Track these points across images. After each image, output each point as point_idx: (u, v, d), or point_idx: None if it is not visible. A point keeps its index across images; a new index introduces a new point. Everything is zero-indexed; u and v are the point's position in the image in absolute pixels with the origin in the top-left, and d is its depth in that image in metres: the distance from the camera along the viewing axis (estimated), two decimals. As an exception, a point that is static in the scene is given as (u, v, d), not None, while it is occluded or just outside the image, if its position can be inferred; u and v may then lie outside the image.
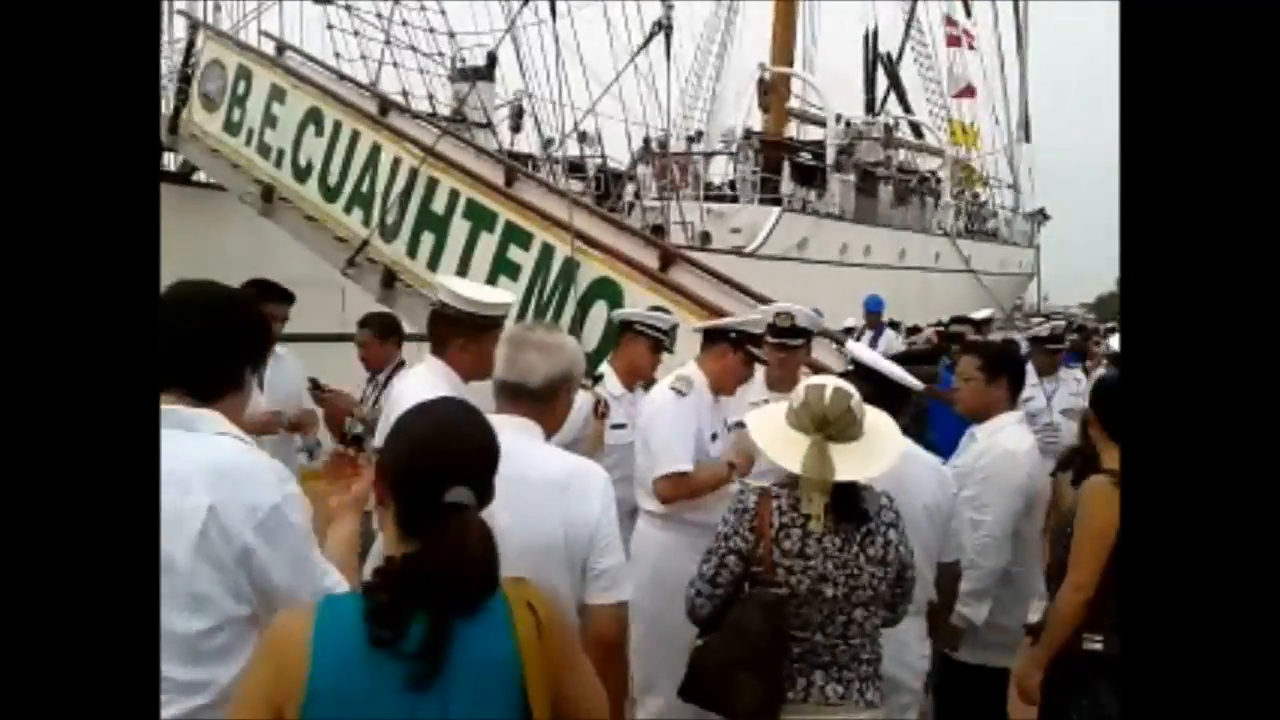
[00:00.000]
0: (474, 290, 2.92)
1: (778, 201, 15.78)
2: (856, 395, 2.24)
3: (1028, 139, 26.43)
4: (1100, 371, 3.99)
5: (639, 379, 3.78)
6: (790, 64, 19.41)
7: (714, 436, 3.32)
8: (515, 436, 1.91)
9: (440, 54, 11.88)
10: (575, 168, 12.79)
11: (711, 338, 3.43)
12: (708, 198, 15.57)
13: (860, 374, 2.68)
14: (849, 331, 8.81)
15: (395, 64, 11.06)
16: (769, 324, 3.51)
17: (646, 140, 14.38)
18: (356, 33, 11.07)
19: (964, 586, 3.06)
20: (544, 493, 1.90)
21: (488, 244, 5.49)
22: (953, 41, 24.66)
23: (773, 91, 18.48)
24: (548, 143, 11.27)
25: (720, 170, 17.39)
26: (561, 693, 1.42)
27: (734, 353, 3.37)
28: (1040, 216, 26.63)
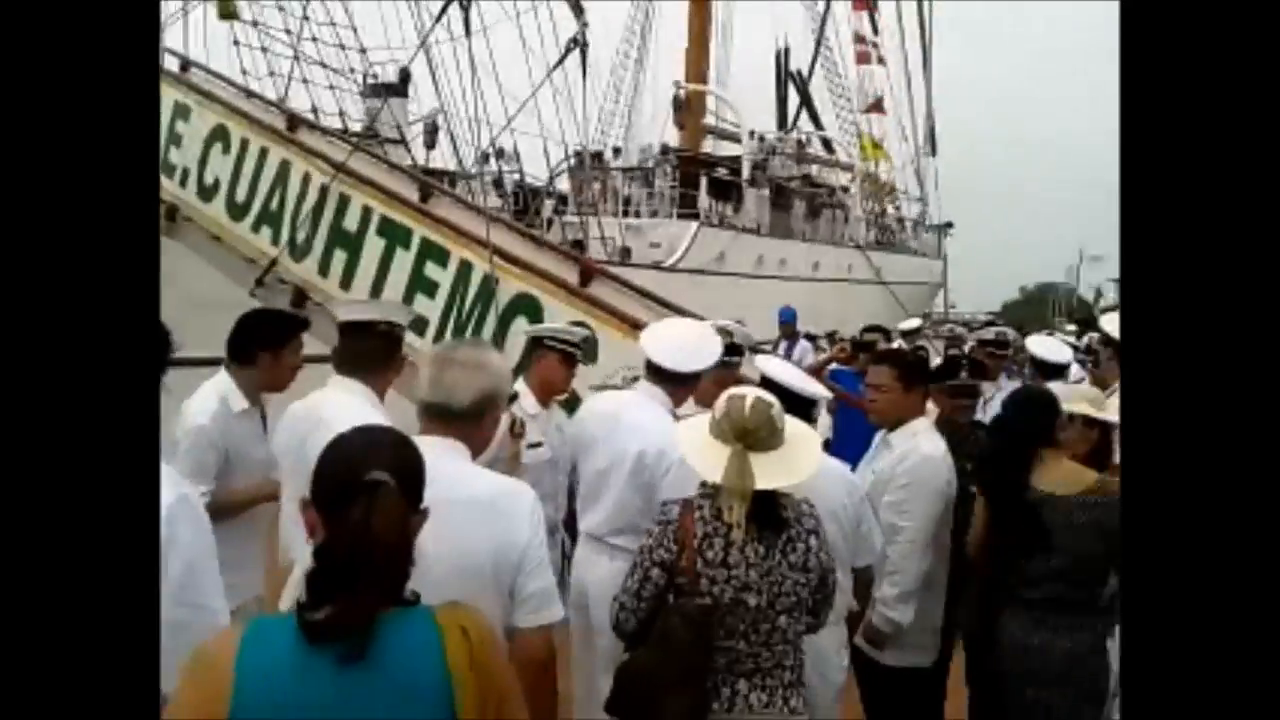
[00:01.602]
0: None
1: (695, 216, 15.97)
2: (777, 405, 2.28)
3: (934, 153, 27.39)
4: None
5: (553, 395, 3.73)
6: (704, 81, 19.73)
7: None
8: (441, 458, 1.87)
9: (351, 70, 11.71)
10: (494, 184, 12.72)
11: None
12: (626, 213, 15.66)
13: (767, 386, 2.69)
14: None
15: (305, 80, 10.85)
16: None
17: (579, 154, 14.40)
18: (264, 49, 10.81)
19: (890, 591, 3.12)
20: (472, 515, 1.87)
21: (403, 261, 5.41)
22: (862, 59, 25.42)
23: (688, 108, 18.75)
24: (483, 158, 11.17)
25: (639, 186, 17.52)
26: (493, 718, 1.41)
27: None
28: (946, 228, 27.58)
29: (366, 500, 1.36)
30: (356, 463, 1.41)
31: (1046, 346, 5.17)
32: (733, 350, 3.65)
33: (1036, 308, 47.71)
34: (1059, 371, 4.79)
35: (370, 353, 2.80)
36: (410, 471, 1.47)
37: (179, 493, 1.62)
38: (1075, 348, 5.45)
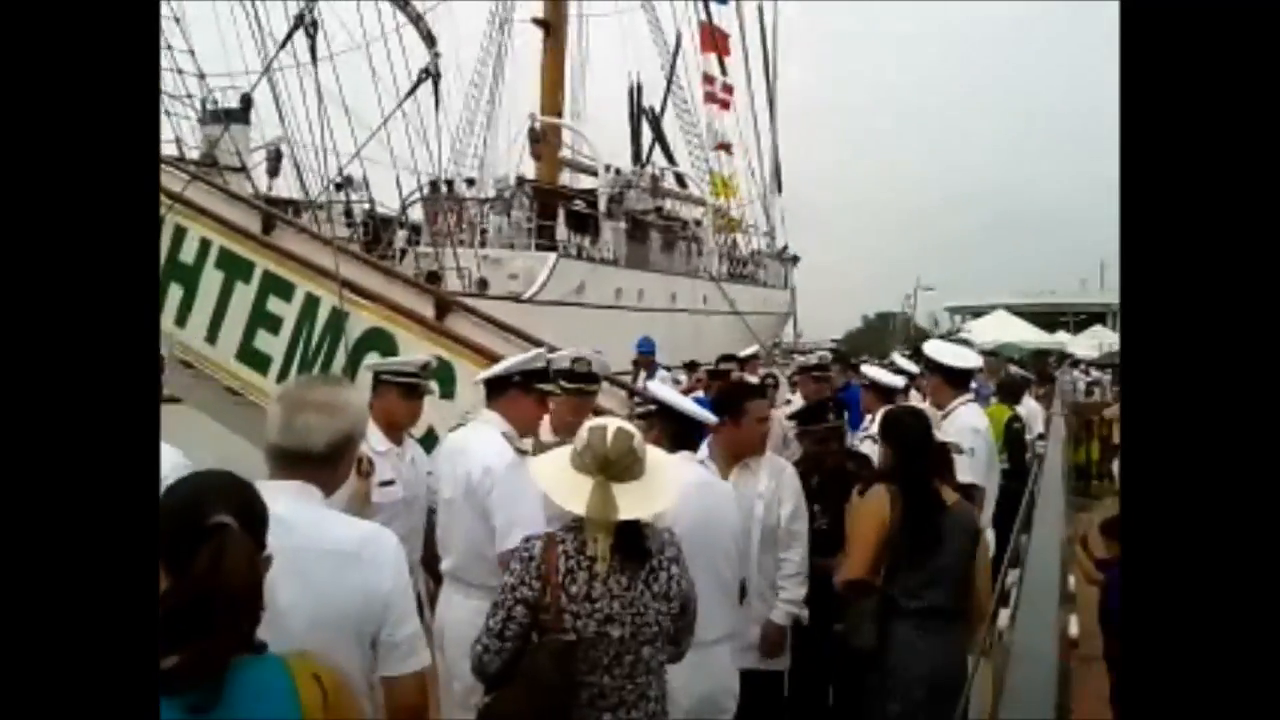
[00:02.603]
0: None
1: (553, 248, 15.99)
2: (638, 435, 2.29)
3: (779, 190, 28.57)
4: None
5: (399, 429, 3.65)
6: (560, 114, 19.87)
7: None
8: (295, 504, 1.80)
9: (189, 95, 11.17)
10: (343, 213, 12.34)
11: (497, 386, 3.33)
12: (483, 244, 15.52)
13: (661, 412, 2.91)
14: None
15: (137, 104, 10.23)
16: (568, 370, 3.51)
17: (434, 183, 14.15)
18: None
19: (800, 591, 3.40)
20: (333, 564, 1.79)
21: (244, 296, 5.16)
22: (709, 99, 26.25)
23: (544, 141, 18.82)
24: (338, 186, 10.82)
25: (497, 217, 17.40)
26: None
27: (525, 396, 3.31)
28: (793, 261, 28.79)
29: (214, 545, 1.33)
30: (197, 508, 1.37)
31: (882, 373, 5.52)
32: (589, 379, 3.69)
33: (877, 335, 50.48)
34: (893, 395, 5.07)
35: None
36: (253, 514, 1.44)
37: None
38: (911, 374, 5.80)
